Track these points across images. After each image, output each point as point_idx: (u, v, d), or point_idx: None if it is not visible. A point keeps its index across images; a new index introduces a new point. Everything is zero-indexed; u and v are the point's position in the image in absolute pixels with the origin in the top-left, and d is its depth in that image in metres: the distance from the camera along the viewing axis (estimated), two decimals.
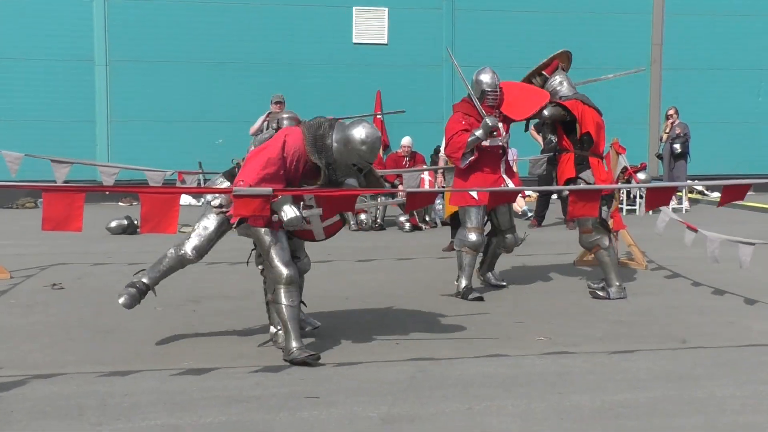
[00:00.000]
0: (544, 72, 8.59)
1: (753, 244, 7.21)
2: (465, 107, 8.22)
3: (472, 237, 8.06)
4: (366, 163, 5.79)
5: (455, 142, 8.00)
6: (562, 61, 8.63)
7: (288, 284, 5.78)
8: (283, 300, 5.77)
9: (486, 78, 8.16)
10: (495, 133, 7.96)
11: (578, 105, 8.06)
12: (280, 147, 5.75)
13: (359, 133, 5.71)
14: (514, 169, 15.24)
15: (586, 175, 8.03)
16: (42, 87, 17.81)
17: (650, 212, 7.17)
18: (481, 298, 7.86)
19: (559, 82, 8.31)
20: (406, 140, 14.58)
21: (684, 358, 5.90)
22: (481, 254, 8.46)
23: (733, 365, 5.73)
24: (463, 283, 8.03)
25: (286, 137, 5.79)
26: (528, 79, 8.65)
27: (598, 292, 7.96)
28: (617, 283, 7.99)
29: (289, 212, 5.60)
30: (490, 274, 8.65)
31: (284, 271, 5.78)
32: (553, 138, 8.49)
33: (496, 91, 8.11)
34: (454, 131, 8.06)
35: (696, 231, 8.08)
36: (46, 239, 11.31)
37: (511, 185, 8.19)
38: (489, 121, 7.85)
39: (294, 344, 5.71)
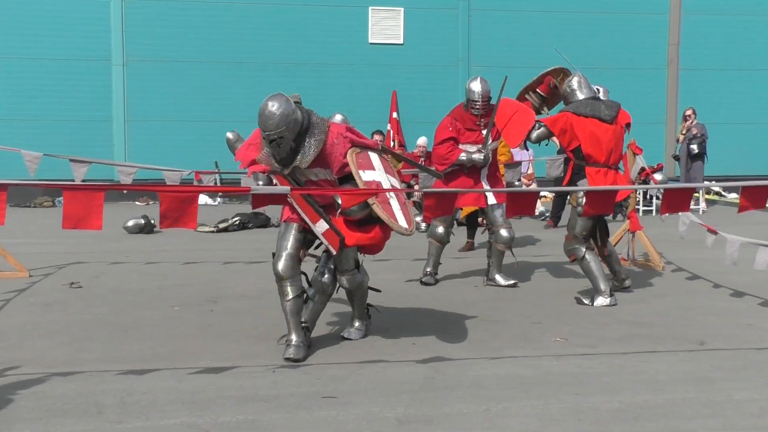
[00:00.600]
0: (538, 89, 8.57)
1: None
2: (456, 112, 8.60)
3: (439, 229, 8.75)
4: (265, 132, 5.71)
5: (440, 151, 8.51)
6: (556, 76, 8.51)
7: (279, 280, 5.90)
8: (280, 294, 5.96)
9: (473, 86, 8.53)
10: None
11: (566, 119, 7.75)
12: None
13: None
14: (530, 170, 15.24)
15: (581, 184, 7.86)
16: (59, 87, 17.90)
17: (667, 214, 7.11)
18: (429, 283, 8.51)
19: (576, 83, 8.04)
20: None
21: (702, 360, 5.88)
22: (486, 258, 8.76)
23: (751, 368, 5.70)
24: (427, 269, 8.73)
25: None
26: (521, 96, 8.66)
27: (582, 299, 7.76)
28: (603, 289, 7.67)
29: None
30: (498, 276, 8.66)
31: (274, 266, 5.93)
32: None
33: (478, 101, 8.42)
34: (439, 138, 8.54)
35: (716, 233, 8.05)
36: (64, 238, 11.38)
37: (489, 193, 8.50)
38: (475, 158, 8.37)
39: (293, 337, 5.89)
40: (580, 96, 7.97)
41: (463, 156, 8.39)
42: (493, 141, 8.53)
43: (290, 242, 5.94)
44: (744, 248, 7.67)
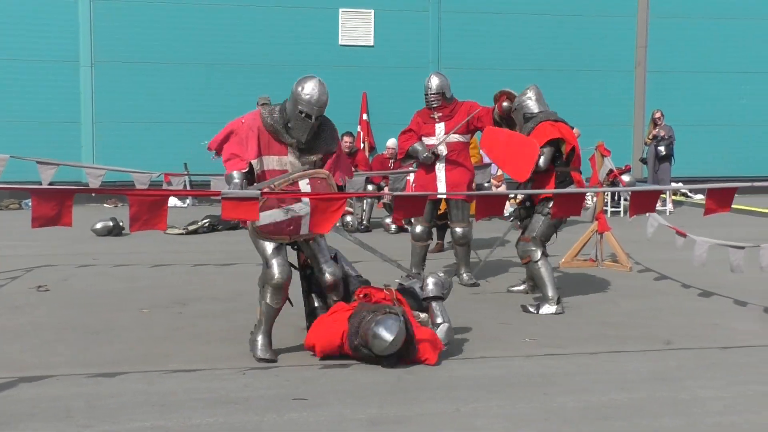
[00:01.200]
0: (495, 114, 8.58)
1: (742, 248, 7.28)
2: (424, 110, 8.97)
3: (416, 229, 9.02)
4: (310, 106, 5.89)
5: (401, 141, 9.07)
6: (508, 98, 8.45)
7: (276, 287, 5.84)
8: (268, 299, 5.91)
9: (427, 81, 8.93)
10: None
11: (554, 127, 7.70)
12: (238, 120, 6.13)
13: (302, 85, 6.03)
14: (499, 172, 15.28)
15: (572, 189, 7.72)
16: (27, 88, 17.72)
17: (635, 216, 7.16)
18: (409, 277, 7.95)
19: (528, 97, 7.92)
20: (391, 142, 14.58)
21: (668, 360, 5.96)
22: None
23: (717, 367, 5.79)
24: (412, 270, 8.69)
25: (244, 115, 6.14)
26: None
27: (528, 307, 7.53)
28: (551, 296, 7.46)
29: None
30: (465, 275, 8.85)
31: (276, 274, 5.85)
32: None
33: (429, 95, 8.81)
34: (403, 132, 9.10)
35: (685, 236, 8.14)
36: (32, 241, 11.28)
37: (443, 182, 8.77)
38: (421, 157, 8.76)
39: (259, 339, 5.93)
40: (535, 108, 7.85)
41: (417, 146, 8.83)
42: (447, 134, 8.71)
43: (278, 249, 5.93)
44: (712, 250, 7.77)
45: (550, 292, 7.50)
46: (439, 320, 6.07)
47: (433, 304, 6.15)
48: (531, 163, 7.57)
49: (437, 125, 8.81)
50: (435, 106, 8.81)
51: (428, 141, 8.81)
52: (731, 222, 13.66)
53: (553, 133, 7.62)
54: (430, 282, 6.22)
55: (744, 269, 7.29)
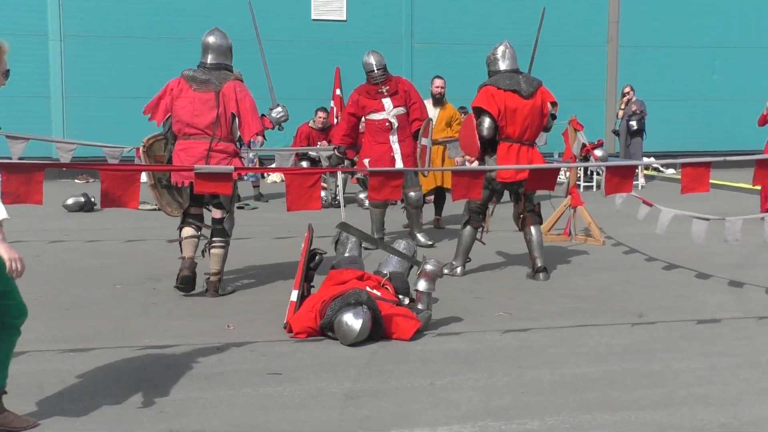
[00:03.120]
0: None
1: (707, 219, 7.34)
2: (361, 87, 9.72)
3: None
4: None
5: (342, 130, 9.87)
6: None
7: None
8: None
9: (368, 59, 9.64)
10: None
11: (487, 92, 7.71)
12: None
13: None
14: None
15: (489, 161, 7.85)
16: None
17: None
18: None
19: (501, 52, 7.92)
20: None
21: (641, 332, 6.01)
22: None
23: (688, 339, 5.85)
24: (375, 236, 9.28)
25: None
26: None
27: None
28: (454, 263, 7.99)
29: None
30: (419, 236, 9.58)
31: None
32: None
33: (375, 71, 9.47)
34: (344, 114, 10.09)
35: (651, 205, 8.18)
36: None
37: (398, 154, 9.30)
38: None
39: None
40: (502, 66, 7.87)
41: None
42: (396, 107, 9.37)
43: None
44: (681, 221, 7.82)
45: (457, 260, 8.04)
46: (420, 306, 6.07)
47: (421, 294, 6.11)
48: (473, 135, 7.68)
49: (384, 100, 9.39)
50: (381, 80, 9.43)
51: (378, 116, 9.35)
52: (701, 196, 13.75)
53: (481, 101, 7.69)
54: (423, 282, 6.11)
55: (704, 240, 7.33)
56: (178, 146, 7.09)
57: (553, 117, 8.06)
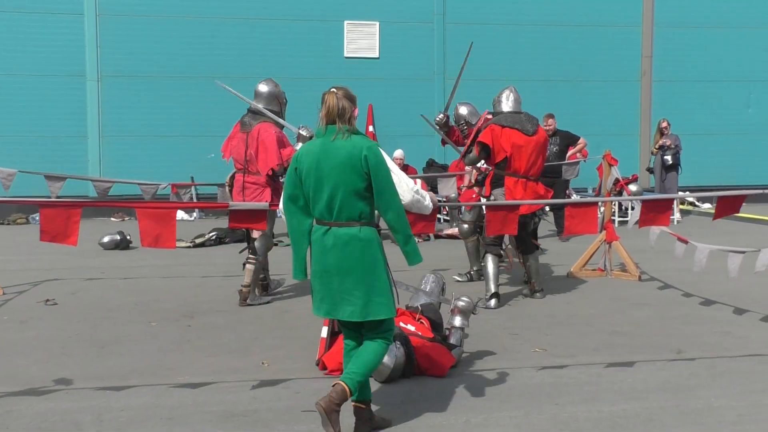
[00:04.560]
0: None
1: (743, 252, 7.25)
2: None
3: (464, 226, 9.64)
4: None
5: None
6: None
7: None
8: None
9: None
10: None
11: (492, 131, 8.19)
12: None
13: None
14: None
15: (497, 193, 8.30)
16: (34, 102, 17.74)
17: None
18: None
19: (505, 95, 8.48)
20: (398, 153, 14.63)
21: (680, 369, 5.91)
22: None
23: (729, 375, 5.74)
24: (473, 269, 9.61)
25: None
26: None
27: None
28: (486, 295, 8.19)
29: None
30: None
31: None
32: None
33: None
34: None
35: (686, 243, 8.11)
36: (39, 255, 11.28)
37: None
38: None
39: None
40: (505, 108, 8.38)
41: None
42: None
43: None
44: (717, 257, 7.73)
45: (491, 288, 8.22)
46: (453, 341, 6.05)
47: (455, 330, 6.12)
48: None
49: None
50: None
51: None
52: (737, 230, 13.62)
53: (483, 137, 8.24)
54: (458, 318, 6.13)
55: (737, 275, 7.24)
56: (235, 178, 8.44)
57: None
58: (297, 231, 4.68)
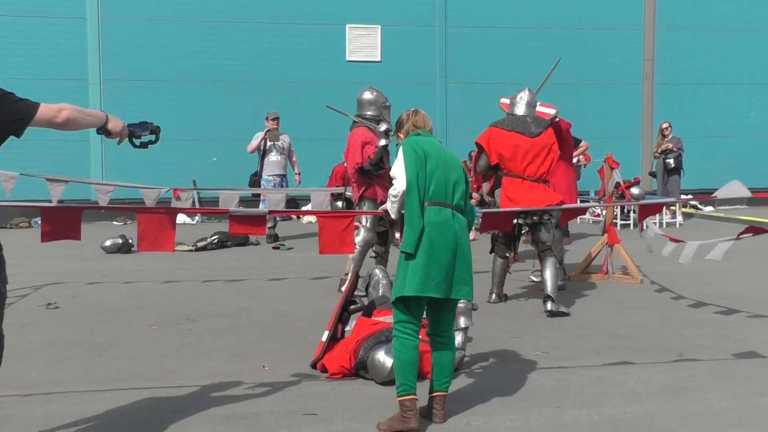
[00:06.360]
0: None
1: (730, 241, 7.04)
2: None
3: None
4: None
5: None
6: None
7: None
8: None
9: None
10: None
11: (488, 134, 8.31)
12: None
13: None
14: None
15: (496, 194, 8.52)
16: None
17: (645, 227, 7.28)
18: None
19: (519, 98, 8.49)
20: None
21: (681, 371, 5.90)
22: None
23: (730, 378, 5.74)
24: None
25: None
26: None
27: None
28: (494, 292, 8.52)
29: None
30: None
31: None
32: None
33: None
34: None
35: (677, 242, 8.01)
36: (41, 258, 11.29)
37: None
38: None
39: None
40: (518, 111, 8.40)
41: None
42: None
43: None
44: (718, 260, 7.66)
45: (495, 288, 8.53)
46: (457, 342, 6.03)
47: (460, 331, 6.09)
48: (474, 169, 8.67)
49: None
50: None
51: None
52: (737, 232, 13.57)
53: (480, 138, 8.37)
54: (462, 320, 6.10)
55: (721, 258, 7.05)
56: None
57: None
58: None
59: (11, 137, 3.96)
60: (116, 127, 4.32)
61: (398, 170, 4.86)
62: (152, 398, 5.28)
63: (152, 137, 4.64)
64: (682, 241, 7.24)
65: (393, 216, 5.05)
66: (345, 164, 14.26)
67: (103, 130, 4.28)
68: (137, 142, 4.56)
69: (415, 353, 4.79)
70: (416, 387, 4.74)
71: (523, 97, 8.45)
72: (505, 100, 8.81)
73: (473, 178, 9.05)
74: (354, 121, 9.43)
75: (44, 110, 3.95)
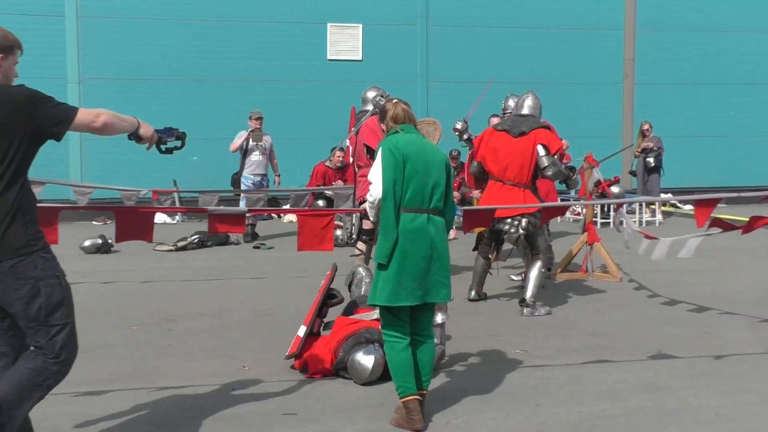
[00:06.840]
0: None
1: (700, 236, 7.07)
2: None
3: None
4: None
5: None
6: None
7: None
8: None
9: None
10: None
11: (484, 134, 8.33)
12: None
13: None
14: None
15: (476, 194, 8.78)
16: None
17: (620, 222, 7.31)
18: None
19: (521, 100, 8.42)
20: None
21: (659, 369, 5.95)
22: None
23: (708, 375, 5.78)
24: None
25: None
26: None
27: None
28: (474, 290, 8.53)
29: None
30: None
31: None
32: None
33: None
34: None
35: (652, 239, 8.02)
36: None
37: None
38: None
39: None
40: (523, 112, 8.30)
41: None
42: None
43: None
44: (696, 259, 7.71)
45: (473, 287, 8.56)
46: (436, 340, 6.04)
47: (437, 327, 6.09)
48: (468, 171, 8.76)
49: None
50: None
51: None
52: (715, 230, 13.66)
53: (477, 139, 8.46)
54: (438, 315, 6.08)
55: (693, 254, 7.10)
56: None
57: (571, 170, 8.60)
58: None
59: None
60: (147, 132, 4.31)
61: (375, 175, 4.80)
62: (133, 400, 5.26)
63: (178, 143, 4.62)
64: (656, 238, 7.29)
65: (371, 219, 5.01)
66: (326, 163, 14.28)
67: (135, 135, 4.26)
68: (163, 147, 4.53)
69: (406, 353, 4.78)
70: (415, 386, 4.75)
71: (525, 99, 8.33)
72: (495, 120, 8.86)
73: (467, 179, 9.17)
74: (362, 116, 9.45)
75: (83, 115, 3.98)
